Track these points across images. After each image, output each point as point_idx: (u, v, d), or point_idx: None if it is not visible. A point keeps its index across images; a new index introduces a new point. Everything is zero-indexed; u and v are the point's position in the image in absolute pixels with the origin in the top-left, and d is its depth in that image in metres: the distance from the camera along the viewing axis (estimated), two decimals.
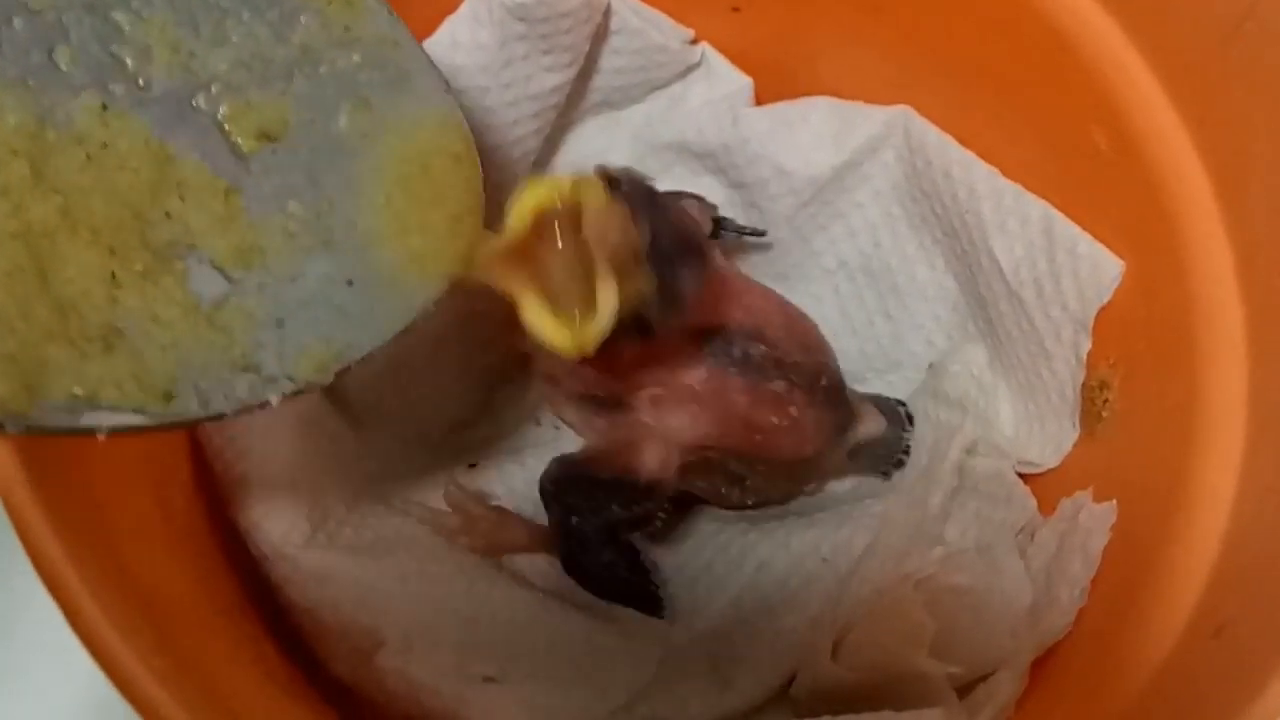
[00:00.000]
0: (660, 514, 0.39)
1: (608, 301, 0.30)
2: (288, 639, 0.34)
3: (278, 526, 0.34)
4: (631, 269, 0.30)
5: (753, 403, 0.38)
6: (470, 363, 0.43)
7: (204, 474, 0.34)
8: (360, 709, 0.34)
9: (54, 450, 0.26)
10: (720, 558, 0.41)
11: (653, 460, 0.37)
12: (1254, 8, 0.31)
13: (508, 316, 0.31)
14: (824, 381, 0.40)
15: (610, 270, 0.30)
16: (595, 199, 0.30)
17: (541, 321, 0.30)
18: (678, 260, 0.32)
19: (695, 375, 0.37)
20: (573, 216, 0.30)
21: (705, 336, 0.37)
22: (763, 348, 0.38)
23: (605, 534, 0.38)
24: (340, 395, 0.39)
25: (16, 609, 0.40)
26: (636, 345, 0.33)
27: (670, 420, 0.37)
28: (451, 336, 0.42)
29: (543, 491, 0.38)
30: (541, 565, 0.40)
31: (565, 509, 0.38)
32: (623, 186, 0.31)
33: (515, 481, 0.42)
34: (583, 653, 0.37)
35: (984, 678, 0.34)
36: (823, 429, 0.40)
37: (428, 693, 0.34)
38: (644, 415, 0.37)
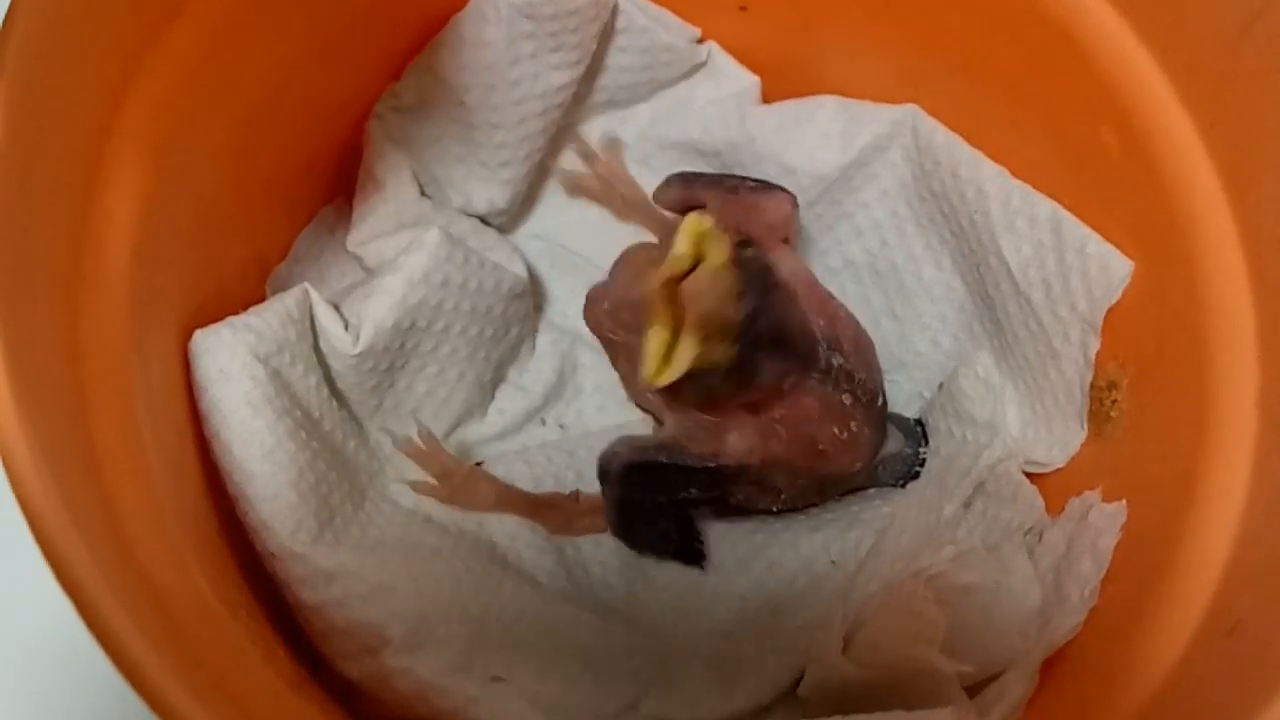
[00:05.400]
0: (739, 494, 0.39)
1: (683, 358, 0.32)
2: (296, 637, 0.34)
3: (285, 525, 0.33)
4: (718, 338, 0.33)
5: (823, 411, 0.38)
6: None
7: (213, 473, 0.33)
8: (367, 707, 0.34)
9: (69, 449, 0.26)
10: (729, 557, 0.41)
11: (741, 444, 0.38)
12: (1265, 9, 0.31)
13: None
14: (879, 402, 0.41)
15: (697, 330, 0.32)
16: (715, 258, 0.33)
17: (651, 346, 0.33)
18: (766, 350, 0.35)
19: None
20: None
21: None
22: (840, 359, 0.39)
23: (670, 506, 0.39)
24: (345, 393, 0.39)
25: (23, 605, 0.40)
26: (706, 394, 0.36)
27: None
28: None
29: (603, 470, 0.39)
30: (550, 564, 0.40)
31: (629, 487, 0.38)
32: (746, 258, 0.34)
33: (522, 481, 0.42)
34: (590, 651, 0.37)
35: (994, 677, 0.34)
36: (871, 448, 0.41)
37: (435, 691, 0.34)
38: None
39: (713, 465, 0.38)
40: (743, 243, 0.35)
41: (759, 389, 0.36)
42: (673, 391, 0.34)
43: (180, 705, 0.23)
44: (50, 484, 0.24)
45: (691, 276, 0.32)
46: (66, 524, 0.23)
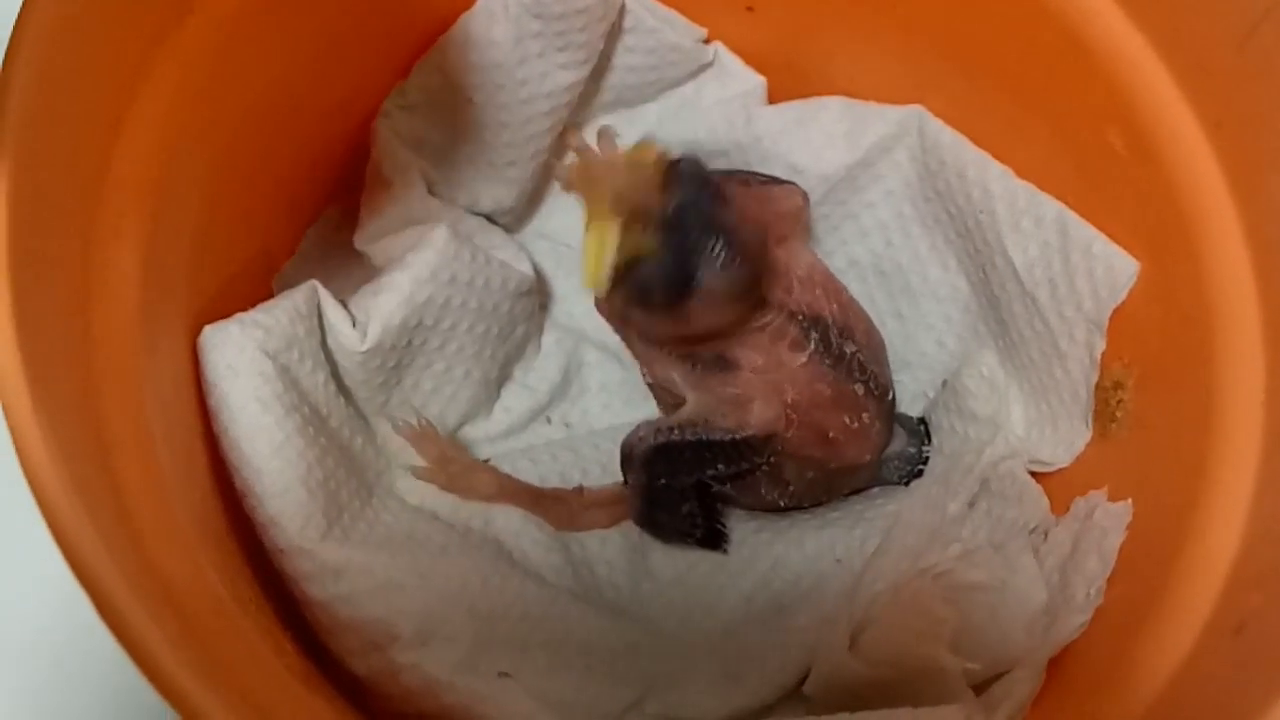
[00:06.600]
0: (764, 465, 0.39)
1: (609, 242, 0.33)
2: (304, 633, 0.34)
3: (294, 521, 0.33)
4: (640, 224, 0.33)
5: (835, 398, 0.39)
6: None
7: (222, 469, 0.33)
8: (375, 703, 0.34)
9: (82, 444, 0.26)
10: (734, 555, 0.41)
11: (767, 412, 0.38)
12: (1271, 9, 0.31)
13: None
14: (890, 396, 0.41)
15: (616, 210, 0.33)
16: (642, 154, 0.33)
17: (585, 246, 0.33)
18: (700, 245, 0.34)
19: (797, 358, 0.38)
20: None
21: (810, 324, 0.38)
22: (854, 347, 0.39)
23: (693, 490, 0.39)
24: (353, 390, 0.39)
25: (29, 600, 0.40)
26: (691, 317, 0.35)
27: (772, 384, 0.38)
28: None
29: (628, 456, 0.39)
30: (556, 561, 0.40)
31: (653, 474, 0.38)
32: (681, 164, 0.34)
33: (527, 479, 0.42)
34: (596, 649, 0.37)
35: (1000, 675, 0.34)
36: (880, 442, 0.41)
37: (442, 688, 0.34)
38: (752, 373, 0.38)
39: (739, 437, 0.38)
40: (685, 158, 0.35)
41: (703, 311, 0.35)
42: (621, 314, 0.36)
43: (196, 698, 0.23)
44: (65, 478, 0.24)
45: (609, 160, 0.34)
46: (82, 518, 0.23)
